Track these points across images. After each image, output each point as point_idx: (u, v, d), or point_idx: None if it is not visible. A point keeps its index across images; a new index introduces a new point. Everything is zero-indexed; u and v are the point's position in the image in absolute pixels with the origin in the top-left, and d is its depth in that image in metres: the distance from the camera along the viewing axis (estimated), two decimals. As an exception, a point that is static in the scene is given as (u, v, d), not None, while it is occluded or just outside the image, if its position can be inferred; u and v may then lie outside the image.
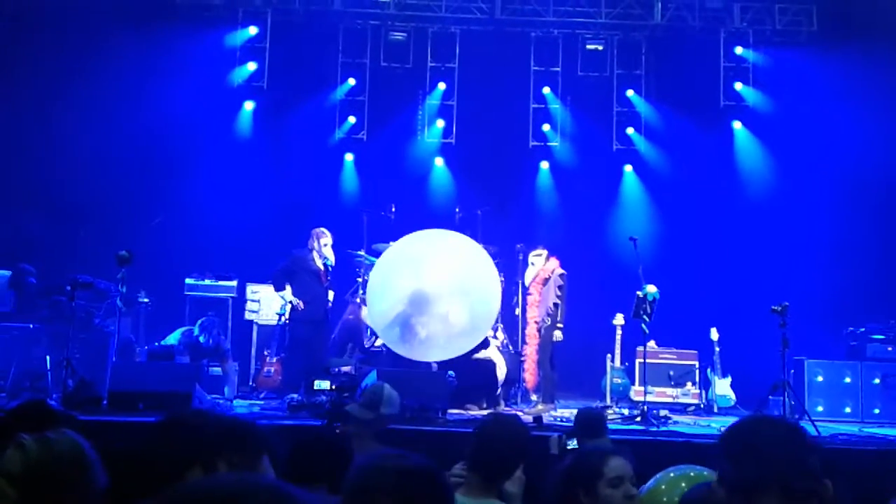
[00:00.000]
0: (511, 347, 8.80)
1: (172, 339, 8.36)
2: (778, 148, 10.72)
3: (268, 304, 9.55)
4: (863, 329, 8.97)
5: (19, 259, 8.29)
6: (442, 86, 11.13)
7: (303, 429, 5.50)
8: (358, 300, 8.92)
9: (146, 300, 9.22)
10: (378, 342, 8.46)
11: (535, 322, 8.10)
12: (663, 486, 2.63)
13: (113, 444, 2.22)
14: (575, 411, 5.48)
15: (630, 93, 11.15)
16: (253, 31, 10.78)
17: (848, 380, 8.53)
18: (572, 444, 4.27)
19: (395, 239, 8.56)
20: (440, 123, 11.24)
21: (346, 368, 7.93)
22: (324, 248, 8.33)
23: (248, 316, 9.82)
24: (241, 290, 9.84)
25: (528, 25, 11.05)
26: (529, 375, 8.24)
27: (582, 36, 11.06)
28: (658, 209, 11.05)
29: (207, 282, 9.71)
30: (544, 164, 11.47)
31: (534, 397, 8.42)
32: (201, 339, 8.17)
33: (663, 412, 7.70)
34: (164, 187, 10.05)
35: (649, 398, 7.81)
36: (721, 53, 10.86)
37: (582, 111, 11.28)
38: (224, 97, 10.73)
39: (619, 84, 11.16)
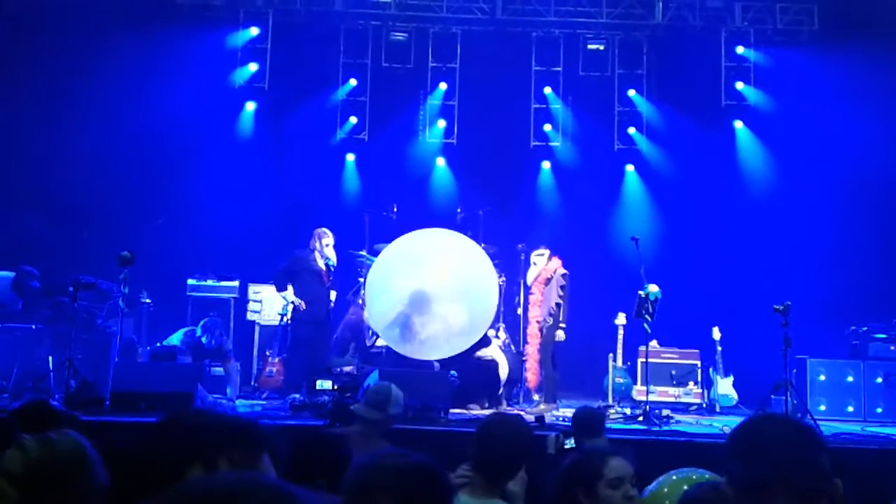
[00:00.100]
0: (513, 347, 8.80)
1: (175, 339, 8.35)
2: (779, 147, 10.71)
3: (270, 304, 9.53)
4: (865, 328, 8.95)
5: (21, 260, 8.28)
6: (443, 86, 11.12)
7: (305, 429, 5.51)
8: (360, 300, 8.91)
9: (148, 301, 9.21)
10: (379, 342, 8.46)
11: (537, 322, 8.12)
12: (665, 489, 2.62)
13: (114, 444, 2.21)
14: (576, 411, 5.48)
15: (631, 92, 11.13)
16: (254, 31, 10.77)
17: (850, 379, 8.50)
18: (570, 443, 4.26)
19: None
20: (441, 123, 11.23)
21: (348, 368, 7.95)
22: (325, 248, 8.33)
23: (250, 316, 9.82)
24: (243, 290, 9.84)
25: (529, 25, 11.03)
26: (531, 375, 8.25)
27: (583, 36, 11.04)
28: (660, 209, 11.04)
29: (209, 282, 9.70)
30: (546, 164, 11.46)
31: (536, 397, 8.42)
32: (203, 339, 8.17)
33: (665, 412, 7.71)
34: (166, 188, 10.08)
35: (651, 398, 7.80)
36: (722, 53, 10.83)
37: (583, 111, 11.27)
38: (225, 98, 10.72)
39: (620, 84, 11.15)
